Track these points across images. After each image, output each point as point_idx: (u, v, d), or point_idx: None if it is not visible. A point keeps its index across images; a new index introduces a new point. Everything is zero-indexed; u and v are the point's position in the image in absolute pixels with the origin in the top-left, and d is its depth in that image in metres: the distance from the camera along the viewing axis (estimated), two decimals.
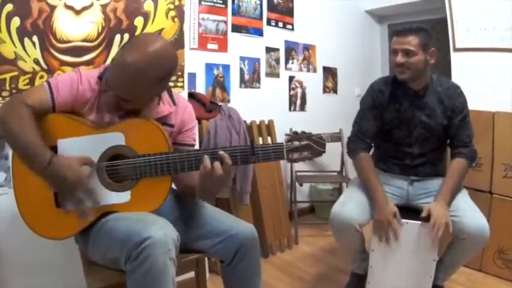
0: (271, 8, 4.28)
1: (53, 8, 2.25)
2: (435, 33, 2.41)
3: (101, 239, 1.63)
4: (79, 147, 1.65)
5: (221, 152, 1.61)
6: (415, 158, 2.51)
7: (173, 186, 1.92)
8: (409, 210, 2.45)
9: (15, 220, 1.69)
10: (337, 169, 4.57)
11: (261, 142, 3.62)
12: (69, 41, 2.33)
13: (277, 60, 4.40)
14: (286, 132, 1.73)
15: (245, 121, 3.55)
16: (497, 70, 3.37)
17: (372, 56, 5.62)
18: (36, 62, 2.23)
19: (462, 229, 2.19)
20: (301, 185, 4.10)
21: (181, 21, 2.74)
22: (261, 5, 4.17)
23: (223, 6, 3.85)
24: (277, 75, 4.42)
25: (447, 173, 2.39)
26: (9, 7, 2.11)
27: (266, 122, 3.89)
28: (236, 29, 3.98)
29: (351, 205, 2.37)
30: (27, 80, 2.21)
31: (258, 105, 4.11)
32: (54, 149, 1.65)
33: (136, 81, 1.55)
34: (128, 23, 2.52)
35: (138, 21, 2.55)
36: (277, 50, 4.39)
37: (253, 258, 1.86)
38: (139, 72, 1.53)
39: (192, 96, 3.34)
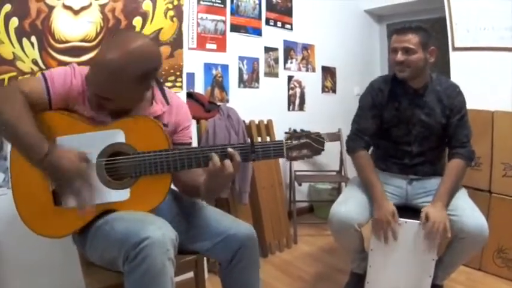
0: (270, 7, 4.28)
1: (51, 8, 2.25)
2: (434, 32, 2.41)
3: (98, 240, 1.62)
4: (78, 144, 1.63)
5: (230, 150, 1.59)
6: (414, 157, 2.51)
7: (172, 186, 1.93)
8: (408, 210, 2.46)
9: (14, 221, 1.68)
10: (336, 169, 4.57)
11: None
12: (67, 41, 2.32)
13: (276, 60, 4.40)
14: (286, 131, 1.72)
15: (244, 121, 3.55)
16: (496, 69, 3.36)
17: (371, 55, 5.62)
18: (35, 62, 2.23)
19: (461, 228, 2.19)
20: (300, 184, 4.10)
21: (180, 21, 2.74)
22: (259, 4, 4.17)
23: (222, 6, 3.84)
24: (276, 75, 4.42)
25: (445, 174, 2.39)
26: (7, 7, 2.11)
27: (265, 122, 3.90)
28: (235, 28, 3.98)
29: (350, 205, 2.37)
30: None
31: (256, 105, 4.11)
32: None
33: (115, 78, 1.53)
34: (127, 23, 2.51)
35: (137, 21, 2.55)
36: (276, 49, 4.39)
37: (252, 258, 1.85)
38: (119, 69, 1.51)
39: (190, 96, 3.33)
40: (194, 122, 3.11)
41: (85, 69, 1.72)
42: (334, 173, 4.57)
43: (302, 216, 4.49)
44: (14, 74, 2.16)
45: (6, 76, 2.14)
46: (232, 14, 3.95)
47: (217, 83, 3.86)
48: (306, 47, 4.71)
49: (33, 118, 1.56)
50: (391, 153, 2.57)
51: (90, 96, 1.65)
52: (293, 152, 1.67)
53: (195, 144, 2.87)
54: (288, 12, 4.47)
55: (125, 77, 1.54)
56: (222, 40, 3.87)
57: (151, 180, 1.65)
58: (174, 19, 2.71)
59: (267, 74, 4.32)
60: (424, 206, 2.33)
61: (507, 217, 2.93)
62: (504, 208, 2.96)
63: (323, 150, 1.70)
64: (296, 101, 4.64)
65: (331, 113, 4.82)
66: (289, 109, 4.58)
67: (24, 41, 2.19)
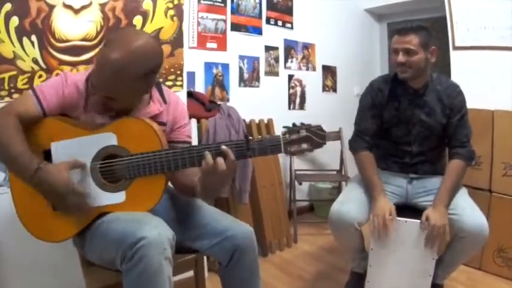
0: (271, 6, 4.28)
1: (51, 7, 2.25)
2: (434, 31, 2.41)
3: (96, 241, 1.62)
4: (72, 149, 1.64)
5: (224, 147, 1.57)
6: (414, 157, 2.51)
7: (170, 185, 1.93)
8: (409, 209, 2.46)
9: (15, 220, 1.68)
10: (336, 168, 4.56)
11: None
12: (67, 40, 2.32)
13: (277, 59, 4.40)
14: (284, 125, 1.68)
15: (244, 120, 3.55)
16: (496, 68, 3.36)
17: (371, 54, 5.62)
18: (35, 61, 2.23)
19: (461, 227, 2.19)
20: (300, 183, 4.10)
21: (180, 20, 2.74)
22: (260, 3, 4.17)
23: (223, 5, 3.85)
24: (276, 74, 4.42)
25: (445, 174, 2.39)
26: (7, 6, 2.11)
27: (265, 121, 3.90)
28: (235, 27, 3.98)
29: (350, 204, 2.38)
30: (26, 80, 2.20)
31: (257, 104, 4.11)
32: (48, 152, 1.66)
33: (119, 78, 1.53)
34: (127, 22, 2.51)
35: (137, 20, 2.55)
36: (276, 48, 4.39)
37: (251, 259, 1.84)
38: (122, 68, 1.51)
39: (191, 95, 3.33)
40: (195, 121, 3.11)
41: (79, 76, 1.74)
42: (335, 172, 4.57)
43: (302, 216, 4.48)
44: (14, 73, 2.17)
45: (6, 75, 2.14)
46: (232, 13, 3.95)
47: (218, 82, 3.86)
48: (307, 46, 4.71)
49: (24, 138, 1.59)
50: (392, 152, 2.57)
51: (97, 98, 1.65)
52: (292, 147, 1.61)
53: (195, 143, 2.86)
54: (289, 11, 4.47)
55: (128, 76, 1.54)
56: (222, 39, 3.87)
57: (146, 181, 1.64)
58: (175, 18, 2.70)
59: (267, 73, 4.32)
60: (424, 205, 2.34)
61: (507, 216, 2.93)
62: (504, 207, 2.96)
63: (324, 143, 1.65)
64: (296, 100, 4.64)
65: (331, 112, 4.81)
66: (289, 108, 4.58)
67: (25, 40, 2.19)
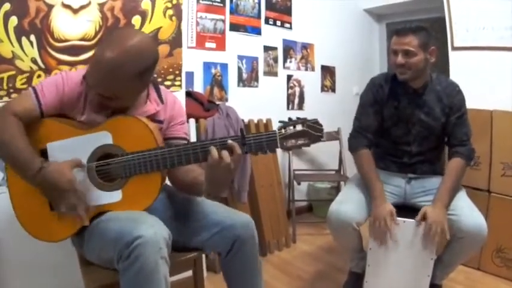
0: (270, 6, 4.28)
1: (50, 7, 2.25)
2: (433, 32, 2.41)
3: (94, 240, 1.63)
4: (68, 149, 1.65)
5: (230, 142, 1.56)
6: (413, 157, 2.51)
7: (168, 183, 1.93)
8: (407, 209, 2.45)
9: (14, 220, 1.69)
10: (335, 168, 4.56)
11: None
12: (66, 40, 2.32)
13: (275, 59, 4.40)
14: (280, 120, 1.66)
15: (243, 120, 3.56)
16: (495, 69, 3.36)
17: (370, 54, 5.62)
18: (34, 61, 2.23)
19: (460, 228, 2.19)
20: (299, 183, 4.09)
21: (179, 20, 2.74)
22: (259, 3, 4.16)
23: (221, 5, 3.84)
24: (275, 74, 4.42)
25: (445, 174, 2.39)
26: (6, 6, 2.11)
27: (264, 121, 3.90)
28: (234, 27, 3.98)
29: (348, 204, 2.38)
30: (25, 79, 2.20)
31: (256, 104, 4.11)
32: (44, 152, 1.66)
33: (115, 76, 1.53)
34: (126, 22, 2.51)
35: (136, 20, 2.55)
36: (275, 48, 4.39)
37: (251, 248, 1.85)
38: (117, 67, 1.51)
39: (189, 95, 3.34)
40: (193, 121, 3.11)
41: (77, 74, 1.74)
42: (333, 172, 4.57)
43: (301, 216, 4.51)
44: (13, 72, 2.17)
45: (5, 75, 2.15)
46: (231, 13, 3.94)
47: (217, 82, 3.86)
48: (306, 46, 4.71)
49: (25, 136, 1.61)
50: (390, 152, 2.57)
51: (93, 96, 1.65)
52: (288, 142, 1.60)
53: None
54: (288, 11, 4.47)
55: (123, 75, 1.54)
56: (221, 39, 3.87)
57: (142, 179, 1.65)
58: (173, 18, 2.71)
59: (266, 73, 4.32)
60: (423, 205, 2.33)
61: (506, 217, 2.93)
62: (503, 208, 2.96)
63: (322, 137, 1.63)
64: (295, 100, 4.64)
65: (330, 112, 4.78)
66: (288, 108, 4.57)
67: (24, 39, 2.19)
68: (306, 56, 4.72)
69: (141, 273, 1.43)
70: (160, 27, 2.65)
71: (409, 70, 2.32)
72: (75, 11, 2.34)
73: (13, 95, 2.15)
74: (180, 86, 2.80)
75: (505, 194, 2.98)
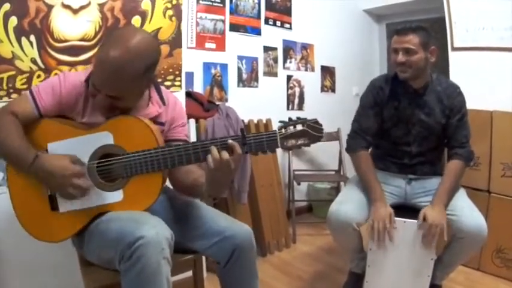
0: (269, 7, 4.28)
1: (50, 7, 2.25)
2: (433, 32, 2.42)
3: (95, 240, 1.62)
4: (69, 149, 1.64)
5: (230, 141, 1.56)
6: (413, 157, 2.51)
7: (169, 186, 1.92)
8: (407, 209, 2.45)
9: (14, 220, 1.69)
10: (335, 168, 4.56)
11: None
12: (66, 40, 2.32)
13: (275, 60, 4.40)
14: (280, 119, 1.66)
15: (243, 120, 3.55)
16: (495, 69, 3.36)
17: (370, 55, 5.62)
18: (34, 61, 2.23)
19: (460, 228, 2.19)
20: (299, 184, 4.10)
21: (179, 20, 2.74)
22: (259, 4, 4.16)
23: (221, 5, 3.84)
24: (275, 75, 4.42)
25: (444, 175, 2.39)
26: (6, 6, 2.11)
27: (264, 121, 3.90)
28: (234, 28, 3.98)
29: (348, 204, 2.38)
30: (25, 80, 2.20)
31: (255, 104, 4.11)
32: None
33: (120, 76, 1.53)
34: (126, 22, 2.51)
35: (136, 20, 2.55)
36: (275, 49, 4.39)
37: (249, 260, 1.84)
38: (122, 66, 1.51)
39: (189, 95, 3.34)
40: (193, 121, 3.11)
41: (78, 76, 1.74)
42: (333, 173, 4.57)
43: (301, 216, 4.51)
44: (13, 73, 2.16)
45: (5, 75, 2.14)
46: (231, 13, 3.94)
47: (216, 82, 3.86)
48: (305, 47, 4.71)
49: (22, 134, 1.63)
50: (391, 153, 2.57)
51: (102, 99, 1.63)
52: (288, 142, 1.60)
53: None
54: (287, 11, 4.47)
55: (128, 74, 1.54)
56: (221, 39, 3.87)
57: (143, 180, 1.64)
58: (173, 18, 2.70)
59: (266, 74, 4.32)
60: (423, 206, 2.33)
61: (506, 217, 2.93)
62: (503, 208, 2.96)
63: (321, 137, 1.64)
64: (295, 100, 4.64)
65: (330, 113, 4.78)
66: (288, 108, 4.57)
67: (23, 40, 2.19)
68: (305, 57, 4.72)
69: (143, 274, 1.42)
70: (160, 28, 2.65)
71: (410, 68, 2.32)
72: (75, 11, 2.34)
73: (13, 95, 2.15)
74: (180, 86, 2.80)
75: (504, 194, 2.98)
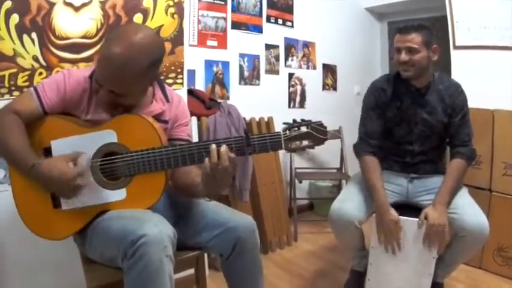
0: (271, 5, 4.28)
1: (52, 4, 2.24)
2: (435, 31, 2.41)
3: (97, 238, 1.63)
4: (72, 146, 1.64)
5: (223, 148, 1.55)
6: (415, 156, 2.51)
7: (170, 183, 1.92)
8: (409, 207, 2.45)
9: (15, 217, 1.69)
10: (336, 166, 4.56)
11: None
12: (68, 38, 2.32)
13: (277, 57, 4.40)
14: (285, 121, 1.65)
15: (244, 118, 3.55)
16: (497, 68, 3.36)
17: (372, 53, 5.62)
18: (35, 58, 2.23)
19: (462, 226, 2.19)
20: (300, 182, 4.10)
21: (181, 17, 2.73)
22: (260, 2, 4.17)
23: (223, 3, 3.85)
24: (276, 72, 4.42)
25: (446, 174, 2.39)
26: (7, 4, 2.11)
27: (265, 119, 3.90)
28: (236, 25, 3.98)
29: (350, 202, 2.38)
30: (26, 77, 2.20)
31: (257, 102, 4.12)
32: (48, 150, 1.67)
33: (123, 72, 1.53)
34: (127, 20, 2.50)
35: (137, 17, 2.54)
36: (276, 47, 4.39)
37: (253, 251, 1.85)
38: (125, 63, 1.51)
39: (191, 93, 3.33)
40: (195, 119, 3.11)
41: (82, 72, 1.74)
42: (335, 171, 4.56)
43: (302, 214, 4.50)
44: (15, 70, 2.16)
45: (6, 73, 2.14)
46: (233, 11, 3.95)
47: (218, 80, 3.86)
48: (307, 45, 4.71)
49: (24, 134, 1.63)
50: (393, 151, 2.56)
51: (105, 95, 1.63)
52: (292, 143, 1.60)
53: (195, 141, 2.86)
54: (289, 9, 4.47)
55: (132, 70, 1.54)
56: (222, 37, 3.87)
57: (146, 178, 1.64)
58: (175, 16, 2.70)
59: (267, 71, 4.33)
60: (425, 204, 2.33)
61: (507, 216, 2.93)
62: (504, 207, 2.96)
63: (326, 139, 1.64)
64: (297, 98, 4.64)
65: (331, 111, 4.80)
66: (289, 106, 4.58)
67: (25, 37, 2.18)
68: (307, 55, 4.72)
69: (145, 272, 1.43)
70: (162, 25, 2.65)
71: (413, 67, 2.31)
72: (77, 9, 2.33)
73: (15, 93, 2.15)
74: (181, 84, 2.79)
75: (506, 193, 2.98)
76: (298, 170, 4.25)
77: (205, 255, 2.25)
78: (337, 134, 4.38)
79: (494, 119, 3.05)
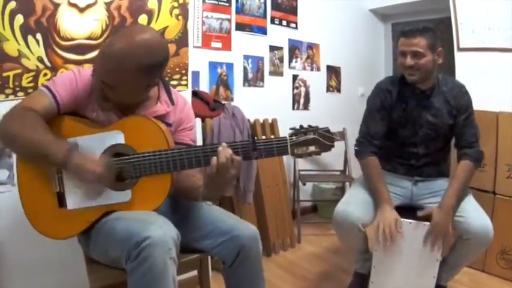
0: (275, 6, 4.28)
1: (56, 5, 2.25)
2: (439, 32, 2.41)
3: (102, 239, 1.63)
4: (80, 146, 1.65)
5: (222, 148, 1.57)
6: (420, 158, 2.50)
7: None
8: (413, 210, 2.44)
9: (18, 218, 1.70)
10: (340, 168, 4.56)
11: None
12: (73, 39, 2.32)
13: (281, 59, 4.40)
14: (291, 127, 1.66)
15: (249, 120, 3.55)
16: (501, 70, 3.35)
17: (376, 55, 5.61)
18: (40, 59, 2.23)
19: (467, 229, 2.18)
20: (304, 184, 4.10)
21: (185, 19, 2.74)
22: (264, 3, 4.16)
23: (227, 4, 3.85)
24: (280, 74, 4.42)
25: (454, 176, 2.38)
26: (12, 4, 2.11)
27: (270, 121, 3.90)
28: (240, 27, 3.98)
29: (354, 205, 2.37)
30: (31, 78, 2.21)
31: (261, 104, 4.11)
32: None
33: (118, 65, 1.53)
34: (132, 21, 2.51)
35: (142, 19, 2.55)
36: (281, 48, 4.39)
37: (255, 259, 1.84)
38: (122, 56, 1.52)
39: (195, 94, 3.34)
40: (199, 120, 3.11)
41: (90, 70, 1.73)
42: (338, 173, 4.57)
43: (306, 216, 4.50)
44: (19, 71, 2.17)
45: (11, 73, 2.15)
46: (237, 12, 3.94)
47: (222, 81, 3.86)
48: (311, 46, 4.71)
49: (48, 127, 1.60)
50: (397, 154, 2.56)
51: (96, 85, 1.65)
52: (299, 149, 1.60)
53: (200, 143, 2.86)
54: (293, 11, 4.47)
55: (129, 66, 1.54)
56: (227, 39, 3.87)
57: (152, 180, 1.64)
58: (180, 17, 2.70)
59: (271, 73, 4.32)
60: (429, 207, 2.33)
61: (511, 218, 2.92)
62: (508, 209, 2.95)
63: (333, 146, 1.64)
64: (301, 100, 4.64)
65: (335, 112, 4.81)
66: (293, 108, 4.57)
67: (30, 38, 2.19)
68: (311, 56, 4.72)
69: (149, 274, 1.43)
70: (167, 27, 2.65)
71: (418, 71, 2.31)
72: (82, 10, 2.34)
73: (19, 94, 2.16)
74: (186, 85, 2.80)
75: (510, 195, 2.97)
76: (301, 172, 4.24)
77: (209, 257, 2.24)
78: (338, 138, 4.37)
79: (498, 122, 3.04)
